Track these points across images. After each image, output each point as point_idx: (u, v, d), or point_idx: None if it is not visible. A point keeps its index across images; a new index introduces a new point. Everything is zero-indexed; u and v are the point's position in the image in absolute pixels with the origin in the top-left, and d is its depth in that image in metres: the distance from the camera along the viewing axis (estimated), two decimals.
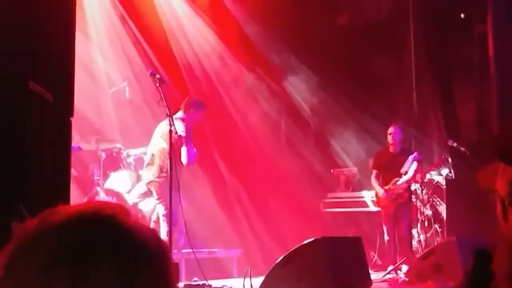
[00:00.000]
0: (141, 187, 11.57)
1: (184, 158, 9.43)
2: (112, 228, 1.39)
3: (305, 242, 7.97)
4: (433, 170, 12.58)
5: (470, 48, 14.35)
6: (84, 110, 11.35)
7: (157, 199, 9.96)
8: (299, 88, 14.78)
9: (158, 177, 9.89)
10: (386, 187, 11.57)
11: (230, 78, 14.01)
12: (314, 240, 7.98)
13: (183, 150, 9.40)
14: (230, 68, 14.03)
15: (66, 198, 4.69)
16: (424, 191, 12.37)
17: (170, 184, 8.48)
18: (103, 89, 12.53)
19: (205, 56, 13.92)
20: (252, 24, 14.09)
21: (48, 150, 4.46)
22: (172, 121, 8.46)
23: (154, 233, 1.45)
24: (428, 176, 12.49)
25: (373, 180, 11.83)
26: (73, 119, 4.78)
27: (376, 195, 11.88)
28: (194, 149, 9.62)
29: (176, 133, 8.51)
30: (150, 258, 1.39)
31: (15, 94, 3.90)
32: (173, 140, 8.74)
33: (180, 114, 9.82)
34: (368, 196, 12.79)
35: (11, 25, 4.12)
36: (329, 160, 14.30)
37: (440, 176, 12.86)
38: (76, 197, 10.01)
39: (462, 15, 14.66)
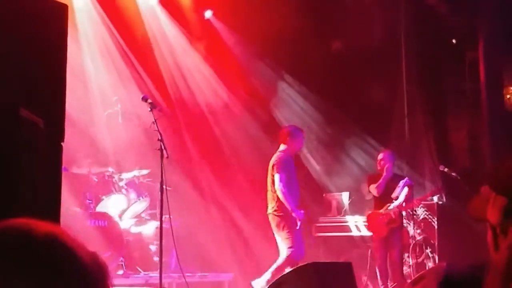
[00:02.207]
0: (133, 211, 11.57)
1: (276, 185, 10.14)
2: (27, 241, 1.40)
3: (295, 267, 7.96)
4: (429, 198, 12.60)
5: (462, 74, 14.43)
6: (76, 133, 11.37)
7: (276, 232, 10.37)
8: (289, 114, 14.78)
9: (274, 210, 10.32)
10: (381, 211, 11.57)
11: (220, 106, 14.03)
12: (304, 265, 7.98)
13: (276, 177, 10.16)
14: (221, 96, 14.06)
15: (57, 218, 4.71)
16: (415, 217, 12.39)
17: (161, 206, 8.53)
18: (96, 112, 12.54)
19: (195, 84, 13.97)
20: (243, 50, 14.13)
21: (40, 176, 4.48)
22: (163, 145, 8.50)
23: (85, 252, 1.44)
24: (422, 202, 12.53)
25: (372, 187, 11.70)
26: (65, 143, 4.81)
27: (368, 219, 11.87)
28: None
29: (167, 157, 8.55)
30: (69, 276, 1.39)
31: (5, 121, 3.93)
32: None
33: (281, 147, 10.47)
34: (359, 220, 12.81)
35: (1, 51, 4.16)
36: (320, 185, 14.32)
37: (431, 201, 12.89)
38: (69, 220, 10.00)
39: (454, 41, 14.74)
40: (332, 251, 12.83)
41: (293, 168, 10.42)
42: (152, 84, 13.18)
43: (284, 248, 10.23)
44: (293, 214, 10.07)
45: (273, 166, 10.32)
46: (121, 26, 13.10)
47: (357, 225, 12.88)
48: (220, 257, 12.39)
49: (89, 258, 1.45)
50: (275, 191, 10.27)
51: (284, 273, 7.93)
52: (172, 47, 13.82)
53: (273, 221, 10.34)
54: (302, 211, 10.18)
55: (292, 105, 14.83)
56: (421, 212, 12.77)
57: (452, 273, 2.43)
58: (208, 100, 13.99)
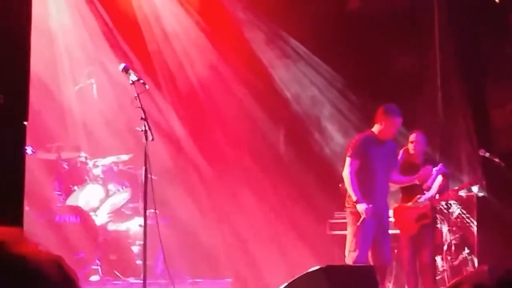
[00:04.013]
0: (111, 205, 11.58)
1: (344, 170, 10.58)
2: None
3: (307, 271, 7.98)
4: (466, 188, 12.61)
5: (506, 40, 14.37)
6: (42, 112, 11.37)
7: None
8: (299, 89, 14.75)
9: (346, 202, 10.74)
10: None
11: (213, 77, 13.98)
12: (318, 269, 8.00)
13: (346, 161, 10.57)
14: (214, 65, 13.99)
15: (19, 212, 4.73)
16: (451, 211, 12.41)
17: (145, 199, 8.53)
18: (66, 87, 12.54)
19: (181, 49, 13.93)
20: (242, 10, 14.07)
21: None
22: (148, 125, 8.48)
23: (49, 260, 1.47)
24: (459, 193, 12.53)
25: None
26: (29, 123, 4.82)
27: (394, 214, 11.87)
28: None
29: (153, 139, 8.54)
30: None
31: None
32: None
33: (376, 127, 10.71)
34: None
35: None
36: (336, 174, 14.33)
37: (470, 193, 12.89)
38: (34, 216, 10.04)
39: (497, 0, 14.67)
40: None
41: (375, 155, 10.56)
42: (133, 52, 13.11)
43: (346, 250, 10.46)
44: (357, 207, 10.25)
45: (347, 148, 10.77)
46: None
47: None
48: (215, 261, 12.43)
49: (51, 266, 1.47)
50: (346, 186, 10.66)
51: (293, 279, 7.94)
52: (157, 9, 13.76)
53: (347, 216, 10.77)
54: (370, 205, 10.26)
55: (301, 78, 14.78)
56: (455, 208, 12.76)
57: (494, 279, 2.42)
58: (199, 70, 13.92)
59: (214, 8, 13.90)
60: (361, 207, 10.23)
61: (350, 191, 10.42)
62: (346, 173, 10.49)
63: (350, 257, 10.30)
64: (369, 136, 10.68)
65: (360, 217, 10.31)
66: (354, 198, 10.31)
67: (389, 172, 10.78)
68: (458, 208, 12.82)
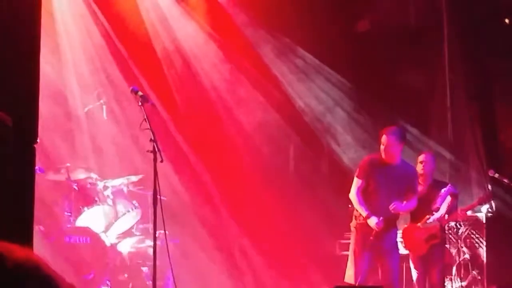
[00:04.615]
0: (121, 225, 11.61)
1: (351, 190, 10.62)
2: None
3: None
4: (475, 208, 12.60)
5: None
6: (52, 133, 11.43)
7: None
8: (311, 105, 14.78)
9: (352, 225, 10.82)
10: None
11: (228, 93, 14.03)
12: None
13: (354, 180, 10.69)
14: (229, 81, 14.04)
15: (29, 233, 4.78)
16: (460, 231, 12.40)
17: (154, 219, 8.56)
18: (75, 108, 12.59)
19: (199, 67, 13.97)
20: (255, 29, 14.13)
21: (8, 182, 4.54)
22: (157, 146, 8.52)
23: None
24: (467, 213, 12.53)
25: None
26: (38, 145, 4.88)
27: (404, 234, 11.88)
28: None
29: (162, 161, 8.57)
30: None
31: None
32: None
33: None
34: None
35: None
36: (345, 193, 14.35)
37: (479, 213, 12.89)
38: (44, 237, 10.09)
39: (507, 21, 14.71)
40: None
41: (378, 177, 10.55)
42: (144, 72, 13.16)
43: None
44: (368, 222, 10.31)
45: (356, 168, 10.92)
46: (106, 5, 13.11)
47: None
48: (224, 282, 12.43)
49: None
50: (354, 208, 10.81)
51: None
52: (168, 24, 13.81)
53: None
54: (381, 218, 10.31)
55: (315, 94, 14.82)
56: (463, 229, 12.76)
57: None
58: (216, 89, 13.98)
59: (226, 22, 13.97)
60: (372, 222, 10.26)
61: (358, 208, 10.47)
62: (352, 193, 10.57)
63: (346, 275, 10.38)
64: (375, 158, 10.70)
65: (360, 236, 10.40)
66: (364, 214, 10.33)
67: (396, 194, 10.66)
68: (467, 228, 12.82)
